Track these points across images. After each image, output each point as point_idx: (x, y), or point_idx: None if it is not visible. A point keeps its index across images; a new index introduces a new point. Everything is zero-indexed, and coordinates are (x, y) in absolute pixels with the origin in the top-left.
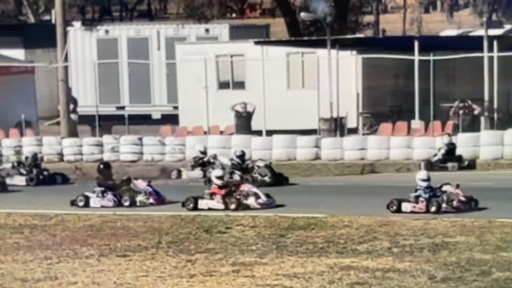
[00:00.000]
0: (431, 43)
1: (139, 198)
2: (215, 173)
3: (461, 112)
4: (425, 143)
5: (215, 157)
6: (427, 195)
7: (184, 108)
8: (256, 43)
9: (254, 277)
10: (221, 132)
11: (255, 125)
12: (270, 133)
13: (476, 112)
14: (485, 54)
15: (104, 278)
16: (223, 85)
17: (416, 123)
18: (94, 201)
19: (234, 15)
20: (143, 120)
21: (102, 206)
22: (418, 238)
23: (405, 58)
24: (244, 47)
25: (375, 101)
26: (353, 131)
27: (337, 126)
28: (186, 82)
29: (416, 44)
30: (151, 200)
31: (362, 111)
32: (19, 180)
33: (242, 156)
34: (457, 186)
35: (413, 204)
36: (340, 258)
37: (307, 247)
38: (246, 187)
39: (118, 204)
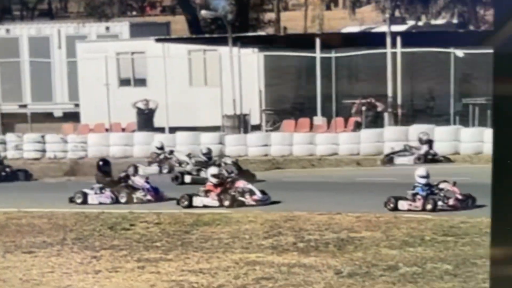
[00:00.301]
0: (333, 40)
1: (137, 194)
2: (210, 171)
3: (363, 108)
4: (328, 140)
5: (171, 152)
6: (424, 193)
7: (86, 105)
8: (157, 40)
9: (160, 273)
10: (123, 129)
11: (157, 122)
12: (173, 130)
13: (379, 109)
14: (388, 50)
15: (10, 275)
16: (124, 82)
17: (319, 120)
18: (92, 197)
19: (134, 13)
20: (45, 118)
21: (100, 203)
22: (323, 233)
23: (307, 56)
24: (145, 45)
25: (278, 98)
26: (257, 127)
27: (241, 123)
28: (87, 80)
29: (317, 41)
30: (148, 197)
31: (265, 108)
32: None
33: (208, 153)
34: (454, 184)
35: (410, 202)
36: (246, 254)
37: (212, 243)
38: (241, 184)
39: (116, 201)
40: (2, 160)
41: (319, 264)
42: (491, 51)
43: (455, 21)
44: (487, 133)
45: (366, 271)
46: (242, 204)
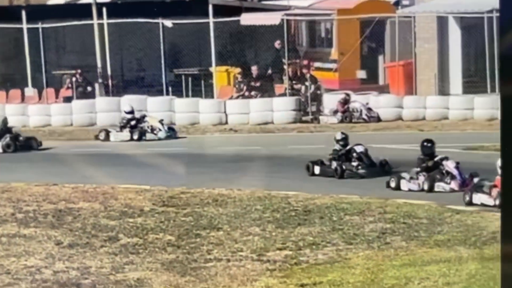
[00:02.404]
0: (40, 12)
1: (440, 183)
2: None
3: (74, 79)
4: (40, 111)
5: (143, 117)
6: None
7: None
8: None
9: None
10: None
11: None
12: None
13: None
14: (95, 22)
15: None
16: None
17: (30, 91)
18: (404, 183)
19: None
20: None
21: (409, 190)
22: (41, 204)
23: (14, 27)
24: None
25: None
26: None
27: None
28: None
29: (23, 13)
30: (452, 185)
31: None
32: None
33: (343, 140)
34: None
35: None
36: None
37: None
38: None
39: (422, 188)
40: (11, 128)
41: (39, 235)
42: (199, 20)
43: None
44: (202, 103)
45: (86, 242)
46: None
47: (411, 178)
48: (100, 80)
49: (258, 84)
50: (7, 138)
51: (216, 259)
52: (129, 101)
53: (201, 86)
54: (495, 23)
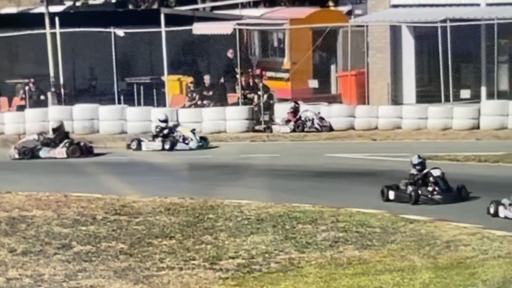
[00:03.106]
0: None
1: None
2: None
3: (27, 88)
4: None
5: (176, 126)
6: None
7: None
8: None
9: None
10: None
11: None
12: None
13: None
14: (48, 31)
15: None
16: None
17: None
18: (501, 209)
19: None
20: None
21: (505, 217)
22: None
23: None
24: None
25: None
26: None
27: None
28: None
29: None
30: None
31: None
32: (58, 152)
33: (420, 164)
34: None
35: None
36: None
37: None
38: None
39: None
40: (69, 133)
41: None
42: (151, 29)
43: (113, 0)
44: (154, 112)
45: (40, 249)
46: None
47: (510, 204)
48: (52, 89)
49: (210, 93)
50: (67, 143)
51: (169, 268)
52: (81, 109)
53: (153, 95)
54: (449, 32)
